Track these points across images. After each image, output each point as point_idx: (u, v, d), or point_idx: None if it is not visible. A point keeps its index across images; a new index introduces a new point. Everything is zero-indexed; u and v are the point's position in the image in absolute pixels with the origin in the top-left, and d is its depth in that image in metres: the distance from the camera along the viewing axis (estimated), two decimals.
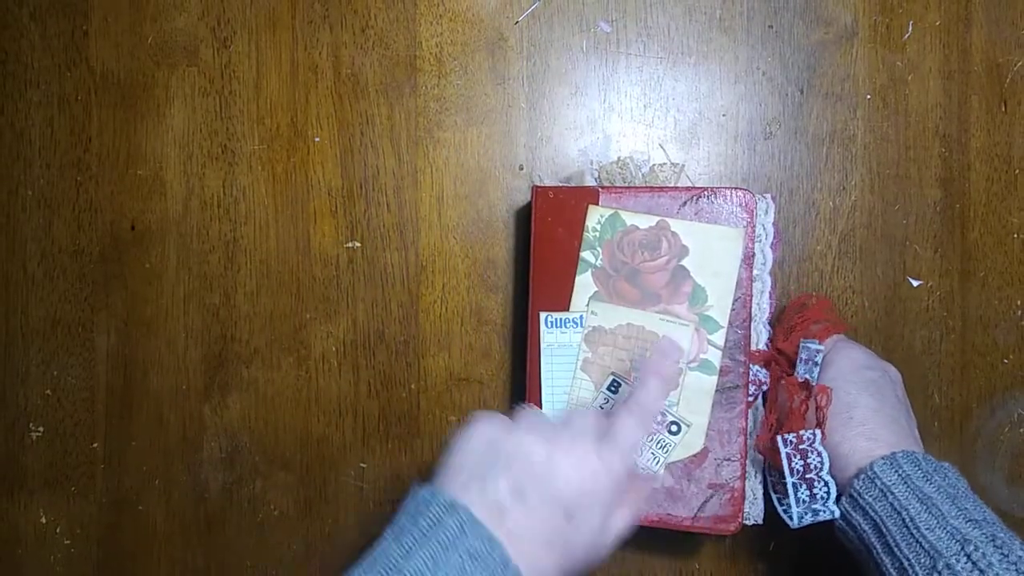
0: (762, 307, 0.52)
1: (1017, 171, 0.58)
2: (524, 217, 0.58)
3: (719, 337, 0.49)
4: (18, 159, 0.60)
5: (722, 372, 0.49)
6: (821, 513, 0.45)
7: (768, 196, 0.53)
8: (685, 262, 0.50)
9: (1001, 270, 0.58)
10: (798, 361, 0.50)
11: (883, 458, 0.43)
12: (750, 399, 0.50)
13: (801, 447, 0.47)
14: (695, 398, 0.50)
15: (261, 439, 0.59)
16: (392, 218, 0.59)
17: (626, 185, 0.53)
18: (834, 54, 0.58)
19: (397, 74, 0.59)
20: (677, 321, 0.50)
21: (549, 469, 0.37)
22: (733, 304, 0.49)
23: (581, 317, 0.51)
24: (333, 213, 0.59)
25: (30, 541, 0.60)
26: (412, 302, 0.59)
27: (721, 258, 0.49)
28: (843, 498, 0.45)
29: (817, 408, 0.47)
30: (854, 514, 0.44)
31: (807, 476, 0.46)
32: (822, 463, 0.46)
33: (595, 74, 0.59)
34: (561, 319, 0.51)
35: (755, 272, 0.51)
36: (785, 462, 0.46)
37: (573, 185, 0.54)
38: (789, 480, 0.46)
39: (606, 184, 0.53)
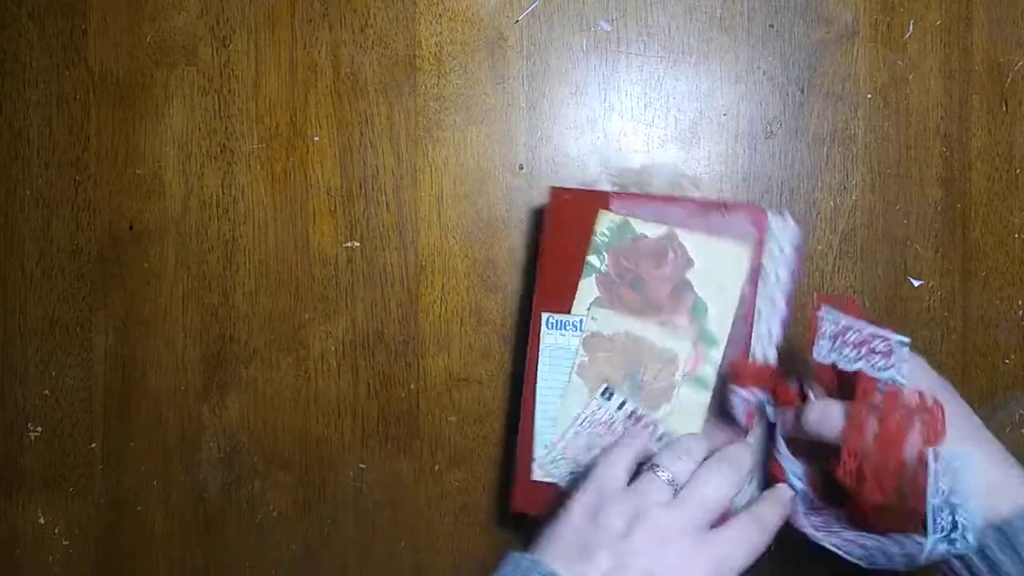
0: (772, 331, 0.50)
1: (1018, 170, 0.58)
2: (535, 216, 0.58)
3: (717, 353, 0.49)
4: (16, 158, 0.59)
5: (718, 390, 0.49)
6: (958, 544, 0.38)
7: (787, 214, 0.51)
8: (689, 274, 0.49)
9: (1002, 270, 0.58)
10: (874, 359, 0.41)
11: None
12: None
13: (942, 464, 0.39)
14: (687, 413, 0.49)
15: (260, 439, 0.59)
16: (391, 218, 0.59)
17: (641, 193, 0.53)
18: (835, 53, 0.58)
19: (396, 73, 0.59)
20: (676, 333, 0.49)
21: (653, 557, 0.37)
22: (734, 321, 0.49)
23: (581, 321, 0.50)
24: (332, 213, 0.59)
25: (28, 541, 0.60)
26: (411, 302, 0.59)
27: (726, 273, 0.49)
28: (986, 530, 0.38)
29: (936, 420, 0.39)
30: (1001, 554, 0.38)
31: (950, 499, 0.38)
32: (962, 483, 0.38)
33: (595, 73, 0.58)
34: (562, 321, 0.51)
35: (768, 291, 0.50)
36: (932, 480, 0.38)
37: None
38: (933, 502, 0.38)
39: (620, 190, 0.53)
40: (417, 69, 0.59)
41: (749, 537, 0.40)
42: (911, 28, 0.58)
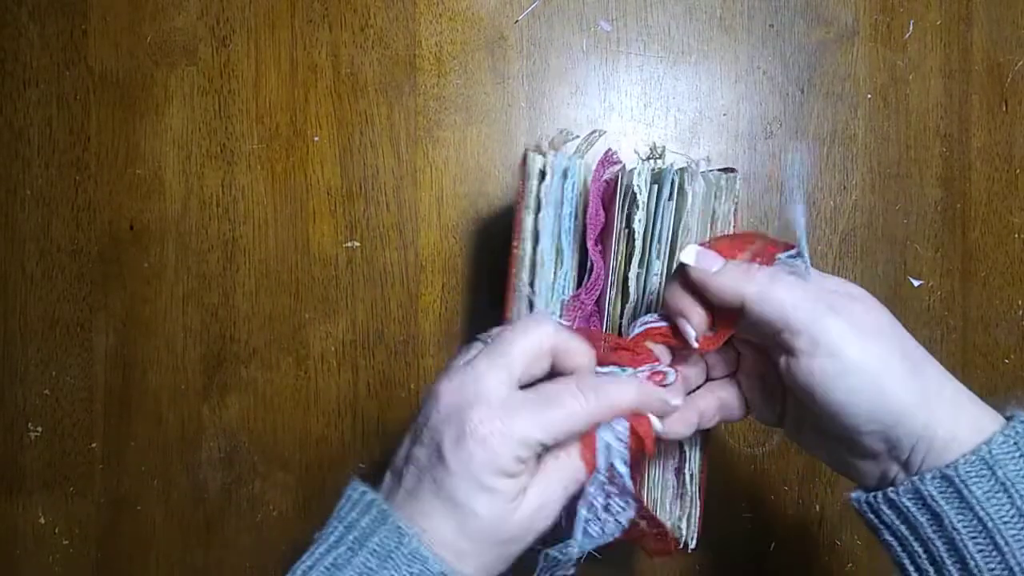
0: (556, 286, 0.44)
1: (1018, 170, 0.58)
2: None
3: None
4: (17, 158, 0.59)
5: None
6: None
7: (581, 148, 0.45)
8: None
9: (1002, 270, 0.58)
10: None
11: (1006, 433, 0.31)
12: None
13: None
14: None
15: (260, 439, 0.59)
16: (391, 218, 0.59)
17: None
18: (835, 53, 0.58)
19: (396, 73, 0.59)
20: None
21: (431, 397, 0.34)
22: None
23: None
24: (332, 213, 0.59)
25: (28, 541, 0.60)
26: (411, 302, 0.59)
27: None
28: (929, 478, 0.32)
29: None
30: (947, 504, 0.31)
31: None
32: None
33: (595, 73, 0.58)
34: None
35: (547, 235, 0.43)
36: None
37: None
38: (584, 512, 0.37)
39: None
40: (417, 69, 0.59)
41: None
42: (911, 28, 0.58)
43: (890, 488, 0.33)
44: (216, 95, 0.59)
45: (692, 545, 0.45)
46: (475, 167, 0.58)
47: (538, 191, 0.43)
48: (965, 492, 0.31)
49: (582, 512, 0.36)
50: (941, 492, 0.31)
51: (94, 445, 0.60)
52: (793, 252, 0.36)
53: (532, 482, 0.33)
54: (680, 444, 0.44)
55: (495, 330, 0.37)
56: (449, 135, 0.58)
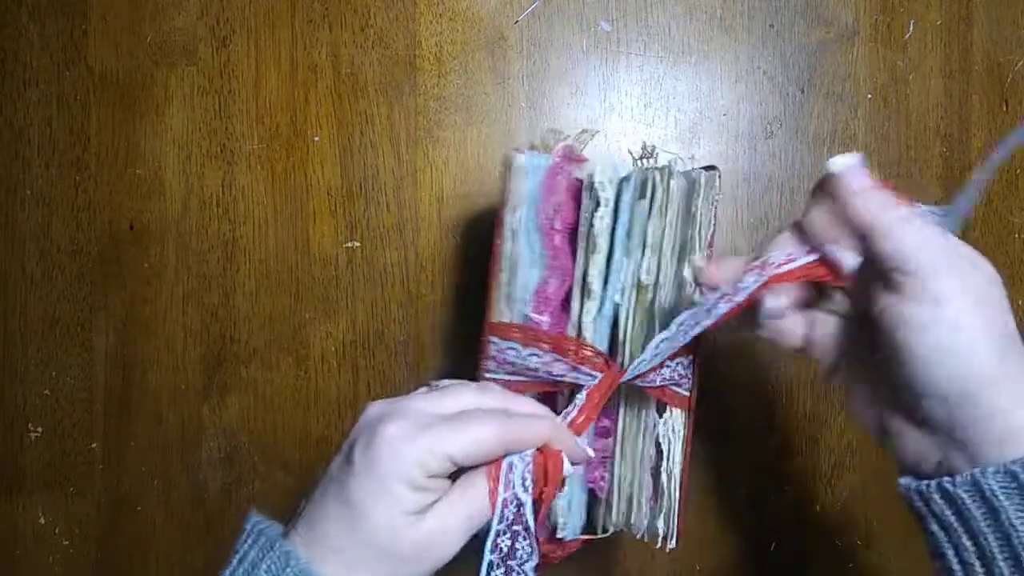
0: (527, 283, 0.44)
1: (1018, 171, 0.58)
2: None
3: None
4: (17, 158, 0.59)
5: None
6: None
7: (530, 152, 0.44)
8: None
9: (1002, 270, 0.58)
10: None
11: None
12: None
13: None
14: None
15: (260, 439, 0.59)
16: (392, 218, 0.59)
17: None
18: (835, 53, 0.58)
19: (397, 73, 0.59)
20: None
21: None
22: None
23: None
24: (332, 213, 0.59)
25: (28, 542, 0.60)
26: (411, 302, 0.59)
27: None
28: (991, 473, 0.30)
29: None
30: (1007, 500, 0.30)
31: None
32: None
33: (595, 73, 0.58)
34: None
35: (519, 237, 0.43)
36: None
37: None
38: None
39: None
40: (417, 69, 0.59)
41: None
42: (911, 28, 0.58)
43: (946, 478, 0.32)
44: (216, 95, 0.59)
45: (672, 544, 0.44)
46: (475, 167, 0.58)
47: (518, 190, 0.43)
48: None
49: (487, 555, 0.35)
50: (1003, 488, 0.30)
51: (94, 445, 0.60)
52: (942, 210, 0.34)
53: (436, 504, 0.34)
54: (658, 443, 0.44)
55: (444, 381, 0.38)
56: (449, 135, 0.59)
